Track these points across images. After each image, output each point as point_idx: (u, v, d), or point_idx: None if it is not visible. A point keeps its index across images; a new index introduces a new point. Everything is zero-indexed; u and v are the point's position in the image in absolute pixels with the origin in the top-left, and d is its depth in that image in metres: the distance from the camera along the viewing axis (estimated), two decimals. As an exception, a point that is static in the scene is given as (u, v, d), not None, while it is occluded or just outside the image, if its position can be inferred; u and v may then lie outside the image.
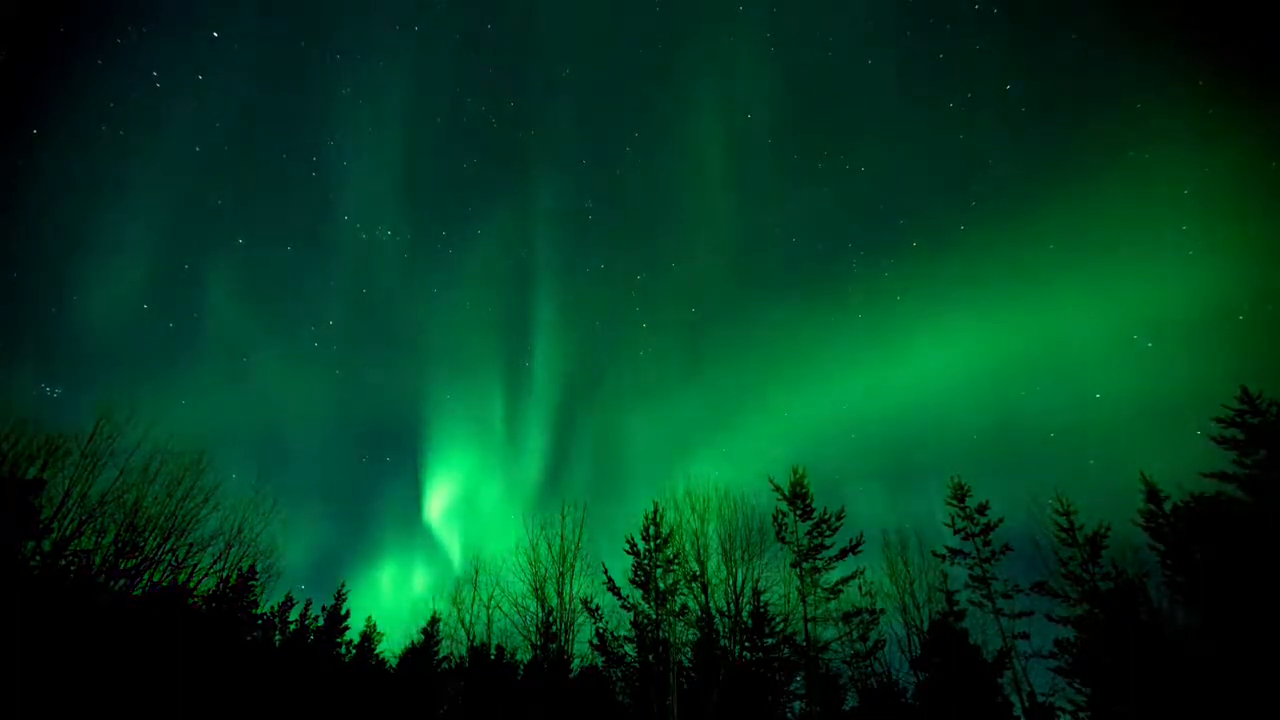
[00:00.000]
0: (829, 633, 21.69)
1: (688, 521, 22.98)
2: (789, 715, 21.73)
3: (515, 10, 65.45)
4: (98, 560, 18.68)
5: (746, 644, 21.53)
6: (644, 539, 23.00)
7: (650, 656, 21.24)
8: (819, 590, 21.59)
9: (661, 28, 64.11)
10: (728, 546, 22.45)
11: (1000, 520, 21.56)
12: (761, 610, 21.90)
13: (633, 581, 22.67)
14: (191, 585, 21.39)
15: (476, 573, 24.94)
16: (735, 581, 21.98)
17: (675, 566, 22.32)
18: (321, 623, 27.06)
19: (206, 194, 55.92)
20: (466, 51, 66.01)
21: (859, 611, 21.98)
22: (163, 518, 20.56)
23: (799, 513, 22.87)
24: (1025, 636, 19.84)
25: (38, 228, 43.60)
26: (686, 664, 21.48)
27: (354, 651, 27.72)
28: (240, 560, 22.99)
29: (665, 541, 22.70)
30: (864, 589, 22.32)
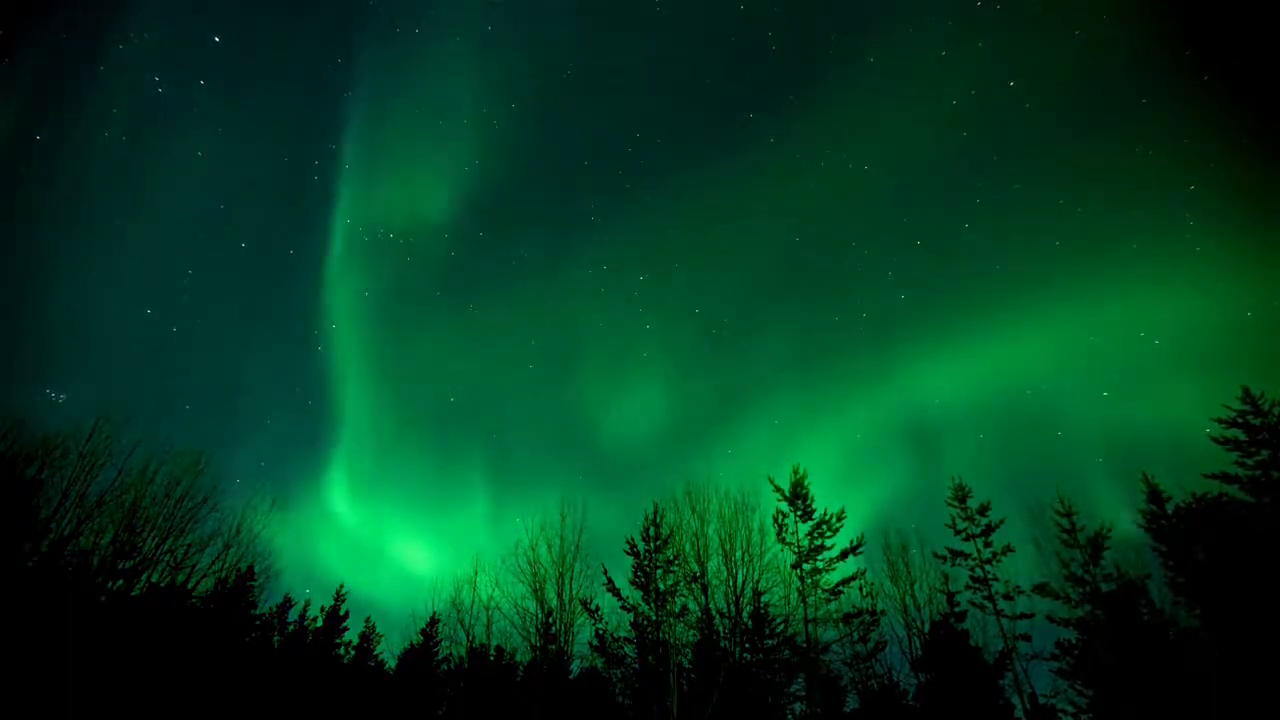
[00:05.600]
0: (830, 634, 21.64)
1: (688, 522, 22.87)
2: (789, 717, 21.65)
3: (516, 11, 65.48)
4: (96, 560, 18.64)
5: (747, 645, 21.43)
6: (644, 540, 22.91)
7: (650, 658, 21.14)
8: (819, 591, 21.51)
9: (660, 28, 64.13)
10: (728, 547, 22.34)
11: (1002, 521, 21.47)
12: (762, 611, 21.80)
13: (633, 582, 22.58)
14: (190, 586, 21.37)
15: (476, 573, 24.83)
16: (735, 582, 21.87)
17: (675, 567, 22.22)
18: (320, 624, 26.99)
19: (209, 198, 56.03)
20: (466, 53, 66.06)
21: (860, 613, 21.89)
22: (161, 518, 20.55)
23: (799, 513, 22.77)
24: (1027, 638, 19.76)
25: (40, 232, 43.64)
26: (686, 665, 21.37)
27: (353, 653, 27.64)
28: (239, 561, 23.00)
29: (665, 542, 22.60)
30: (865, 590, 22.25)
